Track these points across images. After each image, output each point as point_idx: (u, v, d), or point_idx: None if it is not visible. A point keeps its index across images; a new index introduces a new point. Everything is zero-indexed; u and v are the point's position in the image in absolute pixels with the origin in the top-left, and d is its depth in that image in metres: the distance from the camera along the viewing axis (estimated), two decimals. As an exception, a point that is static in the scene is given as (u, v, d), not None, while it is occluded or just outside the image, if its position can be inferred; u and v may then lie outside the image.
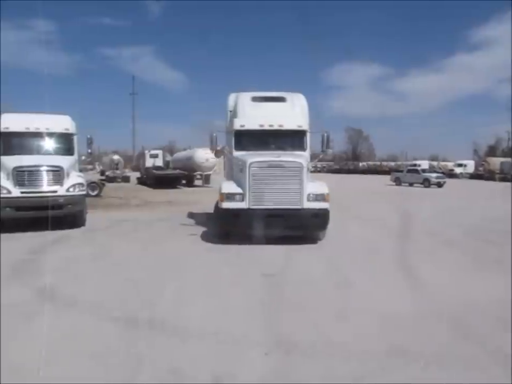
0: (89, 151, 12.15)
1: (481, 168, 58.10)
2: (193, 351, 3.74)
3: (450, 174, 53.87)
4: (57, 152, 11.23)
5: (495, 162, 55.42)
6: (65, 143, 11.46)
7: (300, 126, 10.26)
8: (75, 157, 11.60)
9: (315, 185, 9.09)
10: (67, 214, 10.27)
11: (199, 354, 3.68)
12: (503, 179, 49.67)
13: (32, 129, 11.00)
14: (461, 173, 58.75)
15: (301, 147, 10.16)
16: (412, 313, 4.72)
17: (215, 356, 3.64)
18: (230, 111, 10.81)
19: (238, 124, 10.17)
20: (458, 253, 8.33)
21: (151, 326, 4.31)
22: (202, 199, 19.10)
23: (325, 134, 10.52)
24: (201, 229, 10.67)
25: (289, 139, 10.30)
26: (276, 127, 10.15)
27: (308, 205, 8.69)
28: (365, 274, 6.41)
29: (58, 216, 9.92)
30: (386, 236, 10.07)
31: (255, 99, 10.84)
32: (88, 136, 11.93)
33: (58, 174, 10.18)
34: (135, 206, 17.06)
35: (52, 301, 4.96)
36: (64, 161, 10.58)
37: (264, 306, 4.94)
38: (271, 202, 8.65)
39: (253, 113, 10.33)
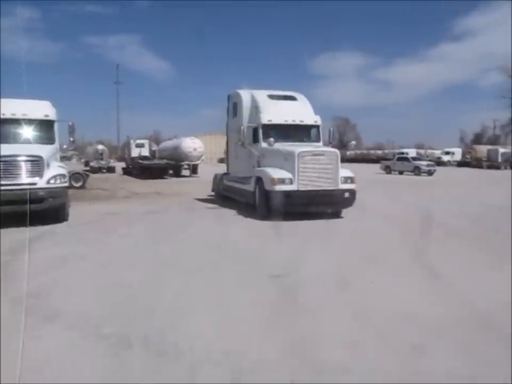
0: (71, 139, 11.14)
1: (468, 156, 58.33)
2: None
3: (438, 162, 53.81)
4: (37, 140, 10.33)
5: (482, 150, 55.64)
6: (45, 130, 10.54)
7: (316, 121, 12.24)
8: (56, 145, 10.69)
9: (344, 171, 10.79)
10: (48, 208, 9.39)
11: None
12: (490, 166, 49.96)
13: (7, 115, 10.02)
14: (449, 161, 58.92)
15: (317, 139, 12.14)
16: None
17: None
18: (256, 107, 12.09)
19: (265, 119, 11.66)
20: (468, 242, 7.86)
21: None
22: (191, 190, 18.41)
23: (331, 129, 13.19)
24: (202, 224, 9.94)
25: (307, 132, 12.19)
26: (297, 122, 11.94)
27: (341, 186, 10.47)
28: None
29: (38, 210, 9.10)
30: (393, 227, 9.51)
31: (271, 97, 12.45)
32: (70, 123, 10.90)
33: (37, 165, 9.24)
34: (122, 197, 16.20)
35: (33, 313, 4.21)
36: (44, 151, 9.64)
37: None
38: (315, 184, 10.31)
39: (275, 110, 11.87)
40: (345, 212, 10.88)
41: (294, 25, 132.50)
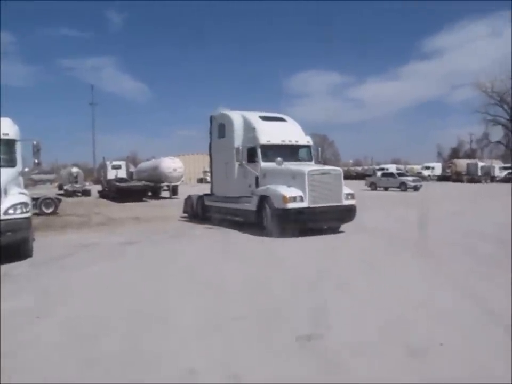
0: (36, 160, 9.51)
1: (448, 170, 58.43)
2: None
3: (419, 177, 53.58)
4: (-5, 163, 8.80)
5: (462, 164, 56.04)
6: (5, 151, 9.04)
7: (308, 142, 12.94)
8: (17, 168, 9.17)
9: (345, 188, 11.25)
10: (7, 243, 7.78)
11: None
12: (471, 180, 50.03)
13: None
14: (429, 176, 58.74)
15: (309, 158, 12.78)
16: None
17: None
18: (253, 128, 12.25)
19: (264, 139, 12.02)
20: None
21: None
22: (173, 213, 17.02)
23: (319, 148, 14.33)
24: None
25: (300, 152, 12.79)
26: (293, 142, 12.49)
27: (345, 202, 11.02)
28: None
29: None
30: (419, 256, 8.30)
31: (263, 118, 12.86)
32: (34, 142, 9.30)
33: (-8, 193, 7.70)
34: (98, 224, 14.61)
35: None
36: (1, 175, 8.13)
37: None
38: (323, 200, 10.70)
39: (271, 131, 12.24)
40: (354, 236, 10.70)
41: (269, 45, 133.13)
